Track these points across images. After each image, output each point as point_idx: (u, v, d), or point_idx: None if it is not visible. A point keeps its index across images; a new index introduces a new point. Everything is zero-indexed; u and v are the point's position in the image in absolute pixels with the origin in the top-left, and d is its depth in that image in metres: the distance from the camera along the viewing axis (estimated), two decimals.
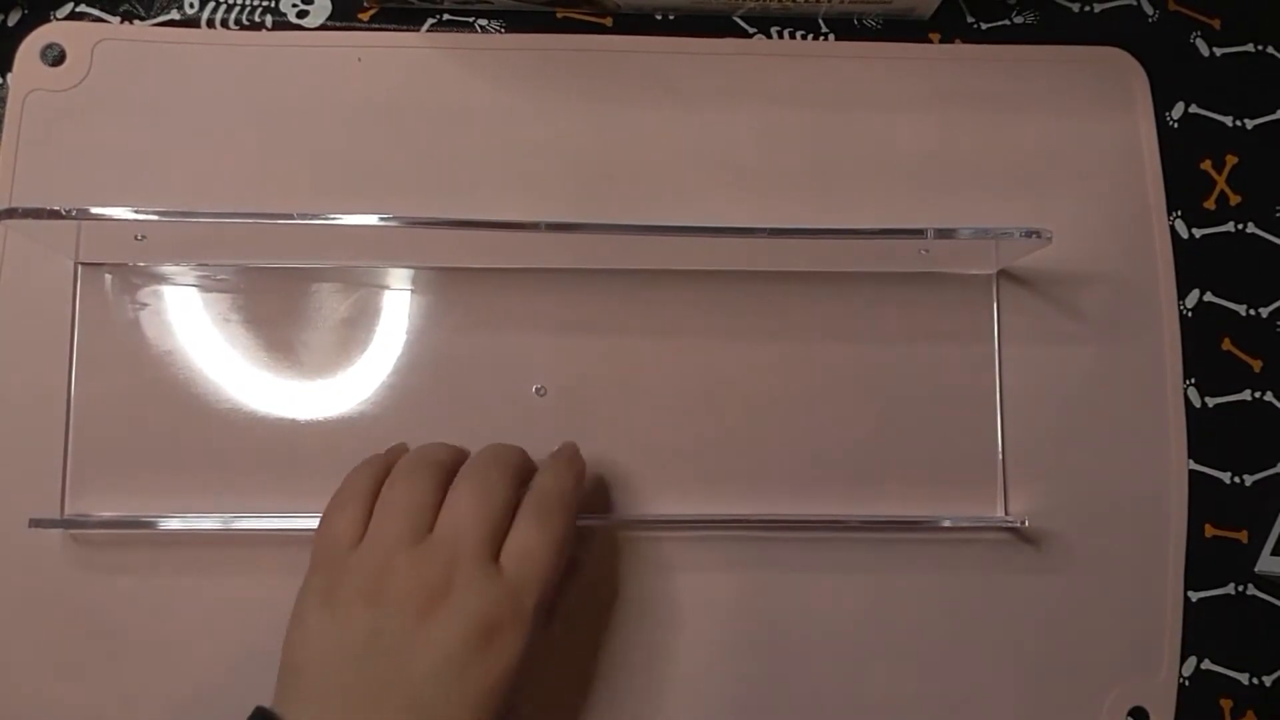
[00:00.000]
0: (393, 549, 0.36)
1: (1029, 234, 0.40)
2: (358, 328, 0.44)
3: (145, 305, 0.44)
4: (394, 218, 0.38)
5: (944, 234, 0.40)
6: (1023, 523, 0.44)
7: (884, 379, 0.45)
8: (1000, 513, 0.45)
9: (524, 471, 0.39)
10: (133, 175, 0.44)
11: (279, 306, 0.44)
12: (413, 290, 0.45)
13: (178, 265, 0.44)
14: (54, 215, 0.37)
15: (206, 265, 0.44)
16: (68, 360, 0.43)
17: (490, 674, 0.35)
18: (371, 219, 0.38)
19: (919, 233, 0.39)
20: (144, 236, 0.40)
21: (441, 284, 0.45)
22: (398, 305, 0.44)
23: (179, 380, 0.43)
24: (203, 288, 0.44)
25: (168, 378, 0.43)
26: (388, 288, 0.44)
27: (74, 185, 0.44)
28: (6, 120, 0.44)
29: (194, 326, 0.44)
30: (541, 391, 0.44)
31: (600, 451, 0.44)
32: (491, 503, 0.37)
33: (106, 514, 0.42)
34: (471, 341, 0.44)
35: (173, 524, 0.42)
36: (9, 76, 0.44)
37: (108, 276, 0.44)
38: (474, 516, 0.36)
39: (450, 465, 0.38)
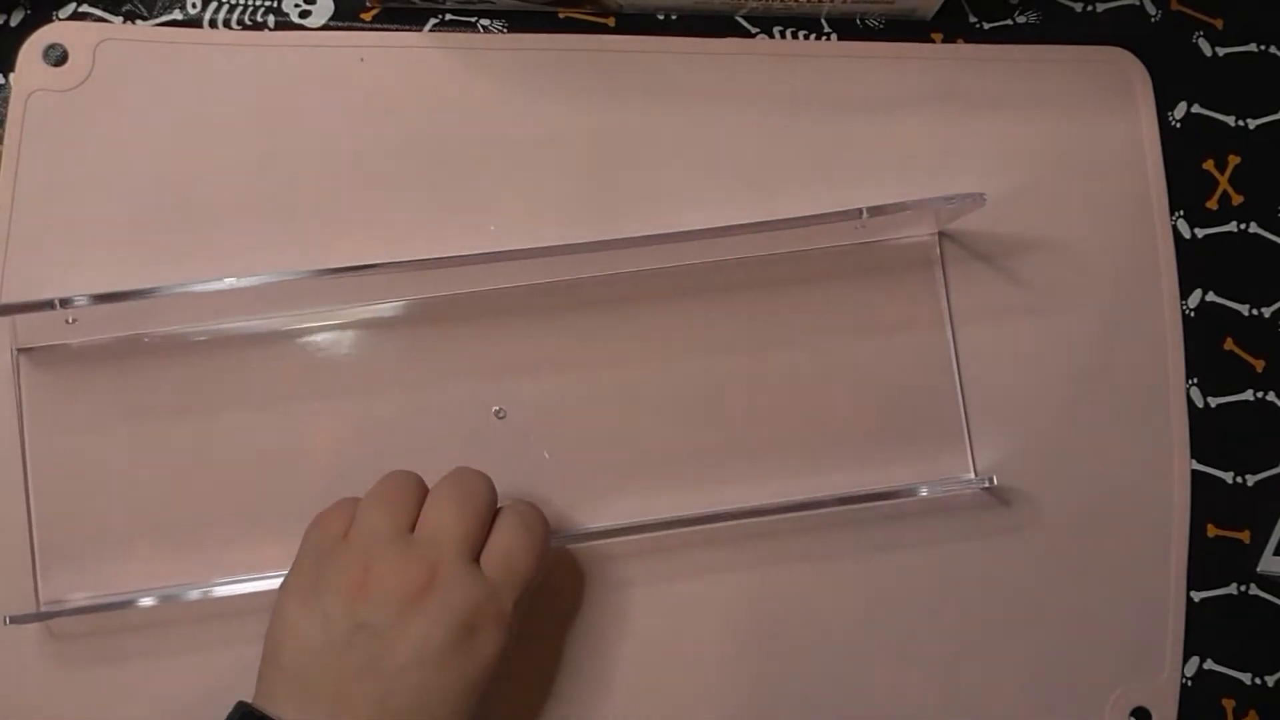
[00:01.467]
0: (376, 545, 0.36)
1: (966, 198, 0.41)
2: (307, 370, 0.44)
3: (90, 380, 0.43)
4: (324, 270, 0.40)
5: (877, 211, 0.40)
6: (991, 481, 0.44)
7: (852, 366, 0.46)
8: (972, 474, 0.45)
9: (494, 493, 0.39)
10: (134, 176, 0.44)
11: (225, 364, 0.44)
12: (366, 325, 0.44)
13: (118, 335, 0.43)
14: None
15: (146, 335, 0.43)
16: (20, 450, 0.42)
17: (470, 670, 0.36)
18: (302, 272, 0.40)
19: (855, 213, 0.40)
20: (74, 320, 0.40)
21: (391, 315, 0.45)
22: (348, 340, 0.44)
23: (137, 448, 0.43)
24: (146, 352, 0.43)
25: (123, 448, 0.43)
26: (341, 326, 0.44)
27: (75, 186, 0.44)
28: (9, 121, 0.44)
29: (141, 396, 0.43)
30: (501, 414, 0.44)
31: (566, 469, 0.44)
32: (473, 506, 0.38)
33: (82, 598, 0.42)
34: (427, 369, 0.44)
35: (150, 600, 0.41)
36: (11, 76, 0.44)
37: (47, 357, 0.43)
38: (456, 517, 0.37)
39: (423, 486, 0.39)
